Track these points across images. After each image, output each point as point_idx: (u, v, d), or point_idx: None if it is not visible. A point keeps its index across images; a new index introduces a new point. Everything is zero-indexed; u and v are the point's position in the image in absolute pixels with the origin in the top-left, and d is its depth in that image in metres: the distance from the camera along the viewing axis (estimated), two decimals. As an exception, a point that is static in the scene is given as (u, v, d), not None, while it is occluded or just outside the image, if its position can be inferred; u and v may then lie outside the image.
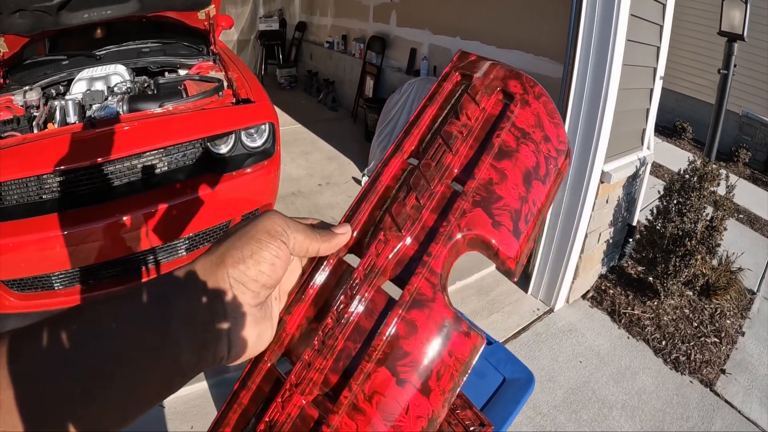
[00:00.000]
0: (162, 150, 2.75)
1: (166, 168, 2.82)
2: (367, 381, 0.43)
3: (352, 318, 0.46)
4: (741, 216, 5.63)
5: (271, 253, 0.44)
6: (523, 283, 3.73)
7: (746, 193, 5.94)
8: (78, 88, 3.12)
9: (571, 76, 3.02)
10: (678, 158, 6.00)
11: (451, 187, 0.51)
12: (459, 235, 0.48)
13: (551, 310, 3.53)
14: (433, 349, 0.45)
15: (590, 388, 2.92)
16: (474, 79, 0.55)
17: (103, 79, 3.20)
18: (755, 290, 4.23)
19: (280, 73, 7.64)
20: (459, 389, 0.46)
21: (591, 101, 2.99)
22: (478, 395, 1.91)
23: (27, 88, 3.05)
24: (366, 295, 0.47)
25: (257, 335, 0.45)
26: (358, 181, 4.94)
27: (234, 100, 3.09)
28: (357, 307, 0.47)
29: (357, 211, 0.51)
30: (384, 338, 0.44)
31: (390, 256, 0.48)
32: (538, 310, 3.53)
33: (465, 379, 0.46)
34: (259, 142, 3.08)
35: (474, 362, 0.47)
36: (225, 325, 0.42)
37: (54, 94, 3.15)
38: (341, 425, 0.43)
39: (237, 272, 0.43)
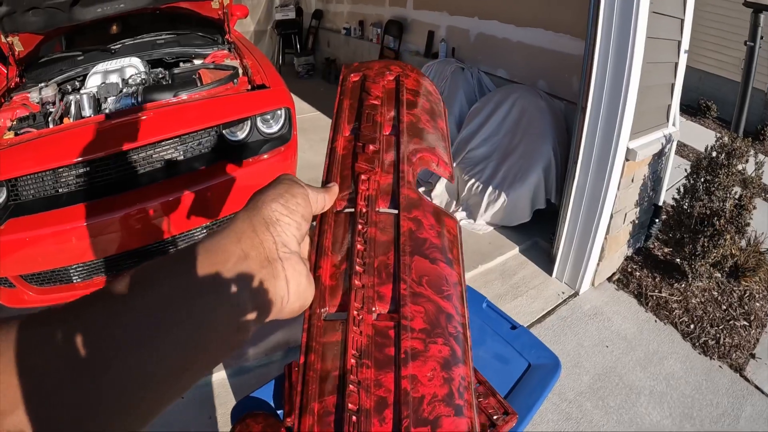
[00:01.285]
0: (177, 139, 2.72)
1: (183, 157, 2.80)
2: (411, 270, 0.53)
3: (374, 236, 0.56)
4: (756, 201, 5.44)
5: (300, 189, 0.51)
6: (547, 266, 3.67)
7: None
8: (93, 82, 3.12)
9: (593, 51, 2.92)
10: (702, 137, 5.84)
11: (391, 135, 0.69)
12: (414, 158, 0.65)
13: (576, 294, 3.47)
14: (436, 230, 0.58)
15: (617, 374, 2.87)
16: (366, 72, 0.77)
17: (118, 72, 3.19)
18: (787, 271, 4.10)
19: (298, 61, 7.57)
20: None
21: (614, 76, 2.89)
22: (502, 382, 1.86)
23: (42, 85, 3.06)
24: (374, 217, 0.58)
25: (306, 277, 0.48)
26: (377, 164, 4.87)
27: (249, 87, 3.05)
28: (373, 228, 0.57)
29: (331, 173, 0.63)
30: (406, 234, 0.56)
31: (376, 187, 0.61)
32: (563, 293, 3.47)
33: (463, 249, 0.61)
34: (275, 128, 3.04)
35: (461, 236, 0.61)
36: (279, 258, 0.45)
37: (70, 90, 3.14)
38: (413, 313, 0.49)
39: (278, 205, 0.47)
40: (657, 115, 3.48)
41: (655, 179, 3.68)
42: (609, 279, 3.64)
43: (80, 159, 2.43)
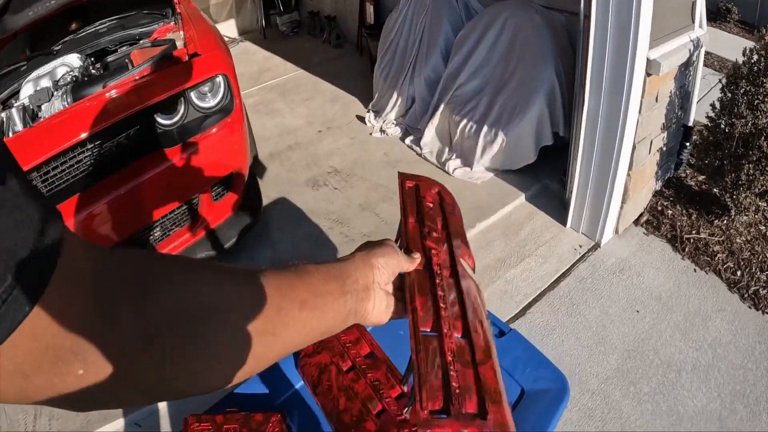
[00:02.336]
0: (99, 136, 2.36)
1: (113, 154, 2.46)
2: (472, 312, 0.79)
3: (447, 283, 0.83)
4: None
5: (396, 255, 0.74)
6: (560, 214, 3.12)
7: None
8: (25, 92, 2.79)
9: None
10: (726, 43, 5.20)
11: (442, 230, 0.96)
12: (458, 250, 0.92)
13: (597, 246, 2.93)
14: (476, 292, 0.85)
15: (651, 347, 2.37)
16: (419, 183, 1.05)
17: (49, 75, 2.85)
18: None
19: (281, 20, 7.10)
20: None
21: None
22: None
23: None
24: (445, 273, 0.84)
25: (386, 306, 0.72)
26: (362, 119, 4.31)
27: (186, 59, 2.63)
28: (446, 279, 0.83)
29: (410, 244, 0.86)
30: (463, 290, 0.82)
31: (444, 258, 0.88)
32: (581, 247, 2.94)
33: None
34: (214, 101, 2.62)
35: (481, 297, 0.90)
36: (373, 288, 0.69)
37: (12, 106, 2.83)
38: (476, 337, 0.75)
39: (382, 260, 0.70)
40: (680, 15, 2.82)
41: (683, 95, 3.04)
42: (636, 222, 3.07)
43: None
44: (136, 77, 2.46)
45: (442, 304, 0.78)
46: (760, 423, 2.08)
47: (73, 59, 2.95)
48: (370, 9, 5.47)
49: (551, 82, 3.18)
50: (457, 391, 0.66)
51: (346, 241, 3.06)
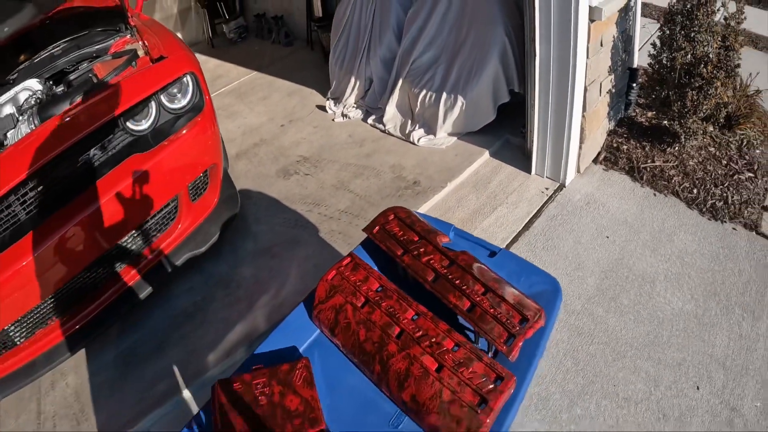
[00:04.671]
0: (72, 149, 2.34)
1: (89, 165, 2.46)
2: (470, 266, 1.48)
3: (454, 273, 1.47)
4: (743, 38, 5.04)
5: None
6: (524, 163, 3.29)
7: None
8: None
9: None
10: None
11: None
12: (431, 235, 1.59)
13: (562, 186, 3.10)
14: None
15: (625, 265, 2.54)
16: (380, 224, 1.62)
17: (11, 102, 2.79)
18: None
19: (228, 28, 7.08)
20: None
21: None
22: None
23: None
24: (447, 265, 1.48)
25: None
26: (323, 108, 4.41)
27: (150, 65, 2.66)
28: (453, 271, 1.48)
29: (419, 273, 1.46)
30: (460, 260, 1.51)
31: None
32: (547, 189, 3.10)
33: None
34: (184, 101, 2.66)
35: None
36: None
37: None
38: (494, 285, 1.42)
39: None
40: None
41: (625, 39, 3.23)
42: (595, 161, 3.26)
43: None
44: (104, 88, 2.47)
45: (465, 287, 1.40)
46: (733, 315, 2.26)
47: (33, 83, 2.91)
48: (317, 2, 5.56)
49: (503, 42, 3.34)
50: (506, 319, 1.32)
51: (324, 219, 3.16)
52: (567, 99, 2.87)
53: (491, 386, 1.20)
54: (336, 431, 1.28)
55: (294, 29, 6.49)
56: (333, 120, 4.22)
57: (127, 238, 2.59)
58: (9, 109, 2.77)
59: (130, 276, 2.61)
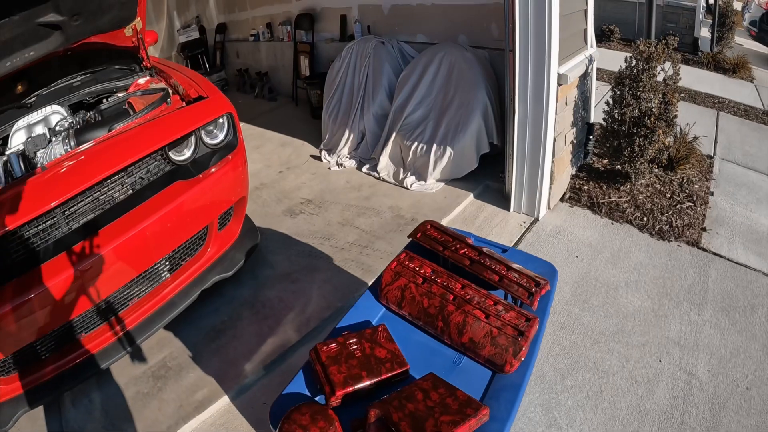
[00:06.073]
0: (123, 172, 2.57)
1: (131, 190, 2.65)
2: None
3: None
4: (683, 94, 5.93)
5: None
6: (503, 203, 3.88)
7: (682, 74, 6.28)
8: (17, 140, 2.87)
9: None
10: (612, 59, 6.20)
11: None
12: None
13: (536, 220, 3.69)
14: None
15: (593, 277, 3.10)
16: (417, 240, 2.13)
17: (42, 122, 2.96)
18: (712, 154, 4.53)
19: (210, 80, 7.50)
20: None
21: (537, 10, 3.13)
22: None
23: None
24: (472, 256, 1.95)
25: None
26: (317, 157, 4.93)
27: (184, 104, 2.94)
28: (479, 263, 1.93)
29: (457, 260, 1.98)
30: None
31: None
32: (524, 222, 3.68)
33: None
34: (220, 137, 2.95)
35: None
36: None
37: None
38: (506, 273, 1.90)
39: None
40: (577, 40, 3.77)
41: (584, 99, 3.95)
42: (561, 199, 3.89)
43: (24, 220, 2.21)
44: (140, 120, 2.68)
45: (493, 266, 1.95)
46: (683, 308, 2.83)
47: (60, 109, 3.05)
48: (305, 62, 6.04)
49: (484, 102, 4.01)
50: (526, 283, 1.87)
51: (336, 250, 3.56)
52: (540, 147, 3.49)
53: (524, 324, 1.71)
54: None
55: (278, 86, 6.75)
56: (329, 168, 4.73)
57: (159, 263, 2.77)
58: (41, 129, 2.90)
59: (165, 294, 2.85)
